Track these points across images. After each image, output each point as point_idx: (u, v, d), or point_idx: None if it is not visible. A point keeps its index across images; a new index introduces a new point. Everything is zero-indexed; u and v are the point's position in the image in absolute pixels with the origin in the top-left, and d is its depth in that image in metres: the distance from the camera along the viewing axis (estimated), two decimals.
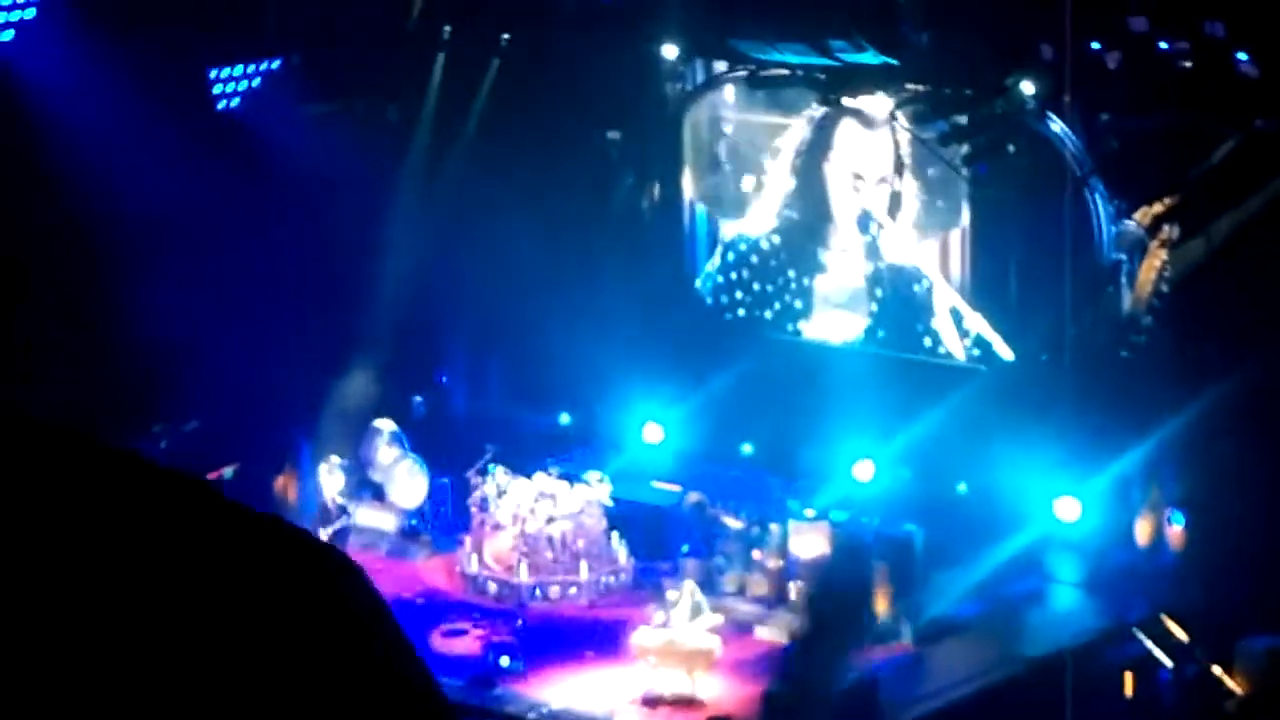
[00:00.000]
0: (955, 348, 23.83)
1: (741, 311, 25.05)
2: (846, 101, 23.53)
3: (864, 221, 24.25)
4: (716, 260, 25.22)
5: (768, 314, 24.88)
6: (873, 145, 23.96)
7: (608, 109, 25.23)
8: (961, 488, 23.08)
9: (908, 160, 23.70)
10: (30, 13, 23.66)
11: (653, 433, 25.05)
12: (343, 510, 21.50)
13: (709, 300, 25.30)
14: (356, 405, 23.26)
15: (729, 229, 25.14)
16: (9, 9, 23.50)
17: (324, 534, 21.38)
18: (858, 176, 24.16)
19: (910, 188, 23.85)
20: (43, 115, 23.65)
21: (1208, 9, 20.57)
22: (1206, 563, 21.35)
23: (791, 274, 24.75)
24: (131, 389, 23.79)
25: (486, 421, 24.75)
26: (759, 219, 24.93)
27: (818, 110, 23.96)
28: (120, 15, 23.48)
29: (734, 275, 25.14)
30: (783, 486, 22.83)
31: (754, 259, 25.01)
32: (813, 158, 24.39)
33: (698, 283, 25.37)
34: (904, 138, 23.52)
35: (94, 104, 23.58)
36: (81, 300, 24.56)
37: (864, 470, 23.32)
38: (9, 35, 23.60)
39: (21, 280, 24.18)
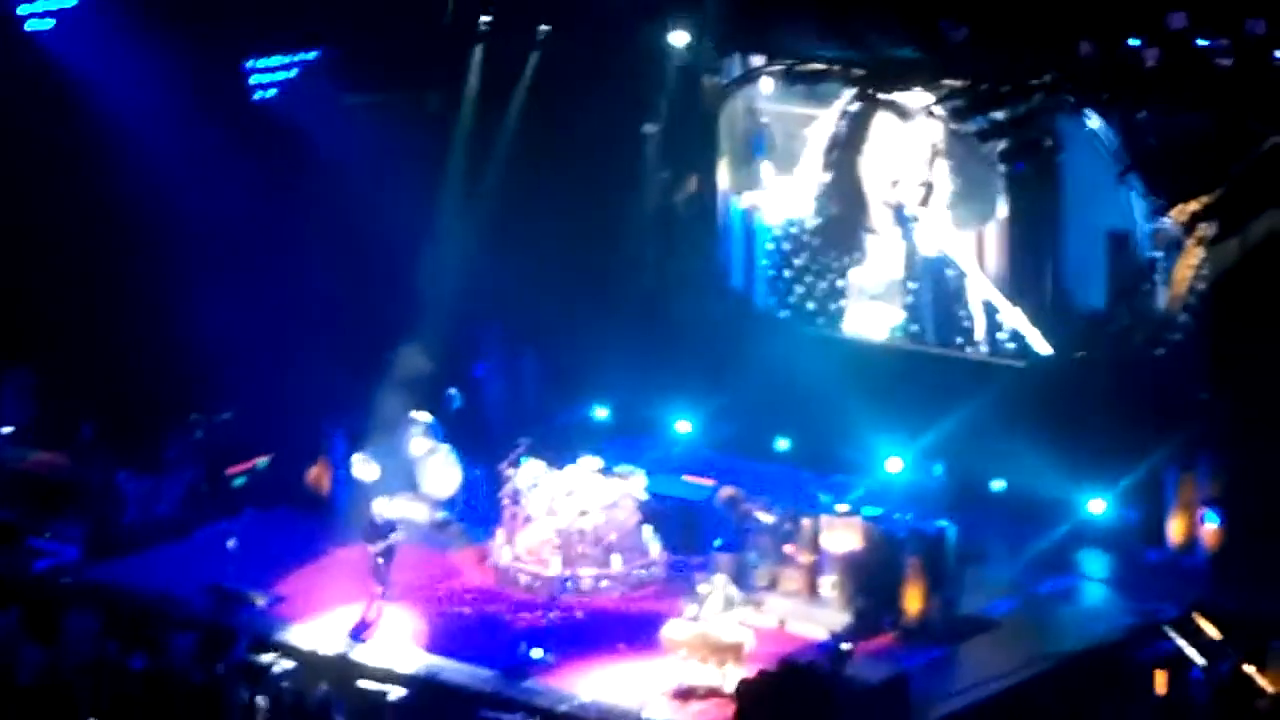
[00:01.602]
0: (990, 340, 23.79)
1: (795, 304, 24.94)
2: (884, 96, 23.50)
3: (899, 214, 24.24)
4: (770, 246, 25.11)
5: (809, 304, 24.85)
6: (907, 137, 23.92)
7: (645, 102, 25.25)
8: (997, 484, 23.04)
9: (942, 149, 23.65)
10: (71, 1, 23.82)
11: (684, 426, 25.09)
12: (391, 527, 21.39)
13: (762, 287, 25.14)
14: (392, 397, 23.32)
15: (769, 218, 25.08)
16: None
17: (373, 550, 21.30)
18: (893, 168, 24.13)
19: (944, 177, 23.82)
20: (81, 104, 23.80)
21: (1248, 6, 20.46)
22: (1240, 561, 21.26)
23: (829, 263, 24.73)
24: (168, 379, 23.91)
25: (521, 414, 24.80)
26: (795, 209, 24.90)
27: (852, 102, 23.93)
28: (159, 4, 23.62)
29: (782, 266, 25.05)
30: (815, 481, 22.82)
31: (793, 247, 24.95)
32: (848, 149, 24.35)
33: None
34: (938, 128, 23.47)
35: (132, 93, 23.70)
36: (118, 291, 24.68)
37: (896, 465, 23.31)
38: (50, 24, 23.78)
39: (59, 272, 24.34)
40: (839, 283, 24.72)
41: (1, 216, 23.71)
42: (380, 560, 21.17)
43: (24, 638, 20.23)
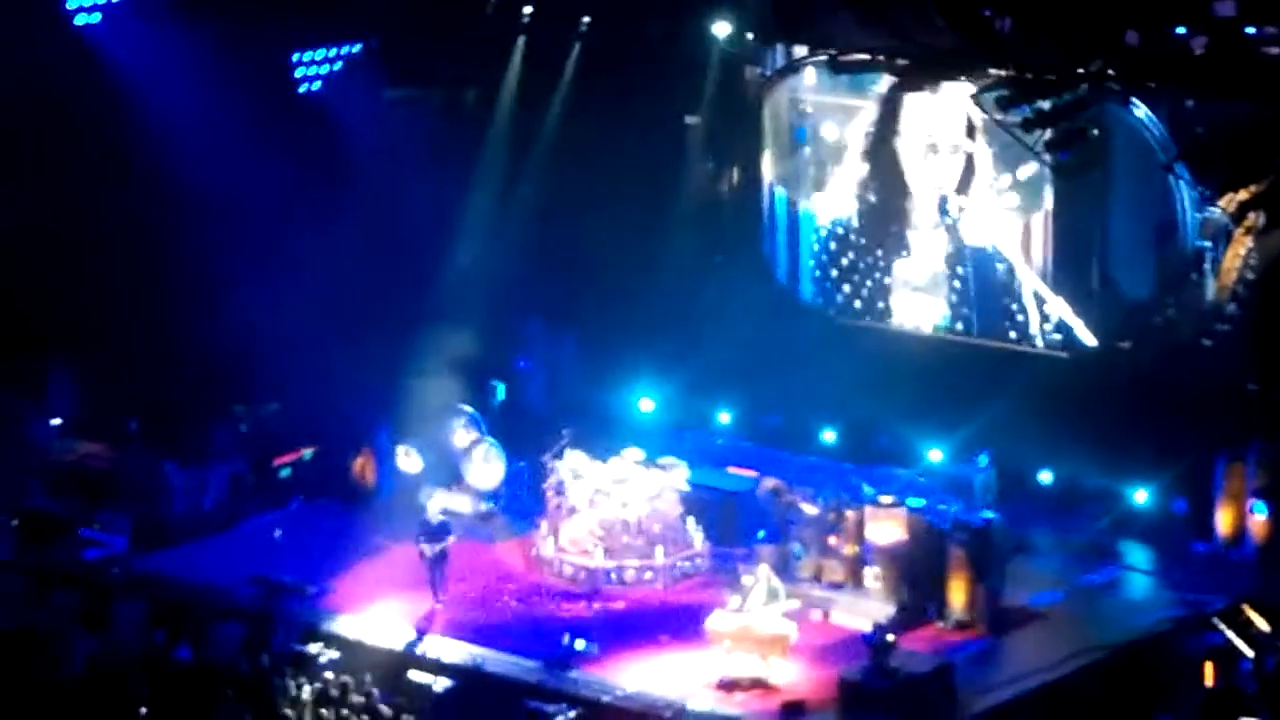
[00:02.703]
0: (1036, 331, 23.69)
1: (840, 296, 24.87)
2: (928, 86, 23.40)
3: (942, 204, 24.15)
4: (815, 245, 25.05)
5: (857, 301, 24.78)
6: (944, 117, 23.77)
7: (687, 93, 25.23)
8: (1043, 476, 22.96)
9: (979, 130, 23.49)
10: None
11: (726, 418, 25.06)
12: (446, 530, 21.15)
13: (807, 278, 25.09)
14: (436, 389, 23.38)
15: (817, 211, 25.00)
16: None
17: (428, 552, 21.02)
18: (931, 149, 24.01)
19: (984, 159, 23.67)
20: (128, 98, 23.92)
21: None
22: None
23: (875, 258, 24.63)
24: (214, 372, 24.02)
25: (563, 406, 24.83)
26: (840, 201, 24.83)
27: (886, 88, 23.79)
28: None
29: (827, 258, 24.97)
30: (859, 473, 22.77)
31: (839, 242, 24.87)
32: (884, 134, 24.20)
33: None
34: (975, 109, 23.31)
35: (178, 87, 23.80)
36: (164, 285, 24.80)
37: (941, 457, 23.24)
38: (97, 18, 23.91)
39: (105, 266, 24.46)
40: (886, 279, 24.63)
41: (48, 212, 23.85)
42: (433, 562, 21.09)
43: (77, 627, 20.38)
